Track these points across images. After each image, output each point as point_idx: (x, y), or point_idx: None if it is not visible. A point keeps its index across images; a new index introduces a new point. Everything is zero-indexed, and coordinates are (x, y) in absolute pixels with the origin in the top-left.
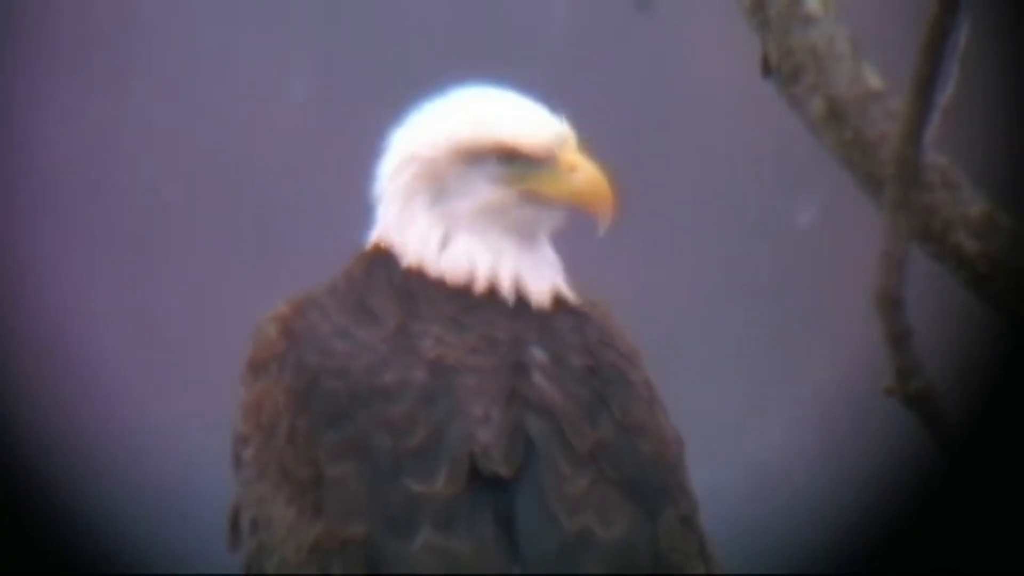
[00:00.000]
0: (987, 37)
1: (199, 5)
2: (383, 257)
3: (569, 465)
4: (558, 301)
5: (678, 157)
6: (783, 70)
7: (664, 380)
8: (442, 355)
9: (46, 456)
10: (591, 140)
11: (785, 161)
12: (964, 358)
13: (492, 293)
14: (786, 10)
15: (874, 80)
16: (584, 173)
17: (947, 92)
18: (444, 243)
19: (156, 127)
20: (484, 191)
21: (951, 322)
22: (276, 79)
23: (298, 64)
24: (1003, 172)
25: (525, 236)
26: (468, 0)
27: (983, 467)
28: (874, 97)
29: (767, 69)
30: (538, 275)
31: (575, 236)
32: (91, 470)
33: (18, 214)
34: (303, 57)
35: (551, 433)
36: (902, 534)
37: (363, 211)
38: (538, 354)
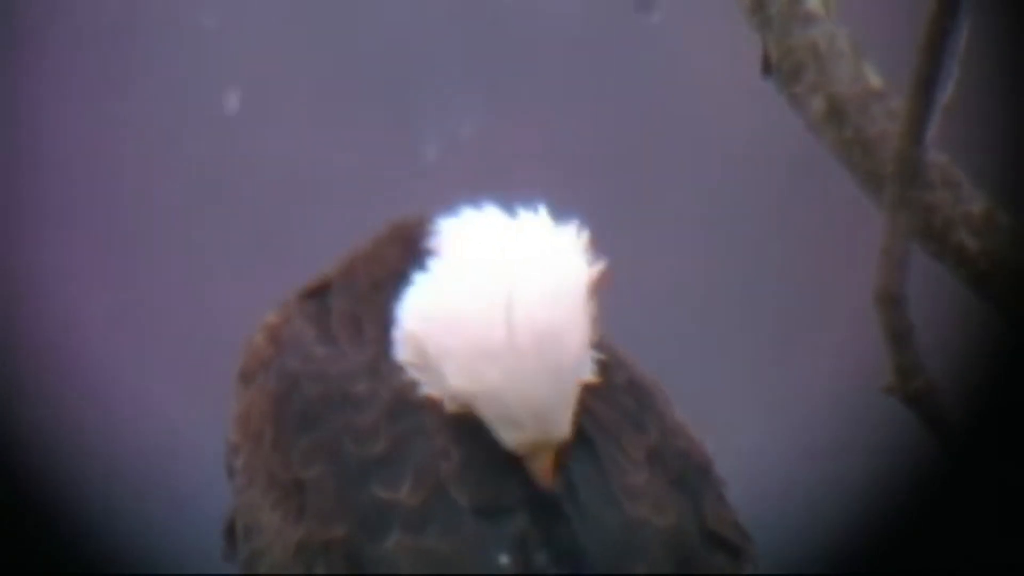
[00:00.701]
0: (987, 37)
1: (201, 4)
2: (405, 271)
3: (627, 462)
4: None
5: (676, 157)
6: (783, 69)
7: (662, 380)
8: (407, 390)
9: (47, 456)
10: (590, 141)
11: (785, 161)
12: (964, 357)
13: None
14: (786, 9)
15: (875, 79)
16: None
17: (947, 91)
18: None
19: (156, 127)
20: (454, 379)
21: (951, 321)
22: (277, 80)
23: (299, 64)
24: (1003, 172)
25: None
26: (468, 1)
27: (984, 466)
28: (875, 96)
29: (767, 68)
30: None
31: None
32: (92, 470)
33: (18, 213)
34: (304, 57)
35: (605, 435)
36: (902, 534)
37: (364, 211)
38: None
